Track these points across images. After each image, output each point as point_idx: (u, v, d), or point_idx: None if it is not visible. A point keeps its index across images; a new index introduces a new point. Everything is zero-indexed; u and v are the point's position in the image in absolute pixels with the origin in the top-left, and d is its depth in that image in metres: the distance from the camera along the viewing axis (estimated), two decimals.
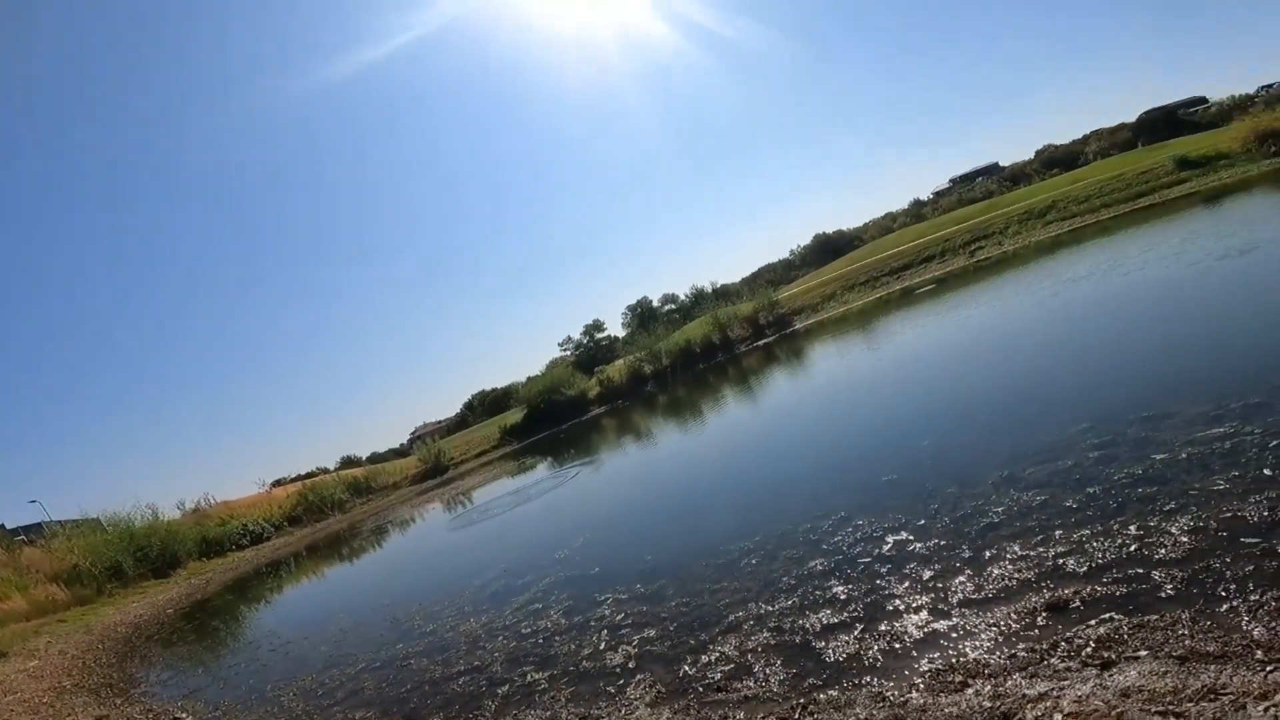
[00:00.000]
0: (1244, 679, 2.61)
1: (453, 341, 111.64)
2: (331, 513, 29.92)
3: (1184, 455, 4.72)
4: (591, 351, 47.99)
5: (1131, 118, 47.31)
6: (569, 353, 49.71)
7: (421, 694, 5.84)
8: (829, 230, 59.46)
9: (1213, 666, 2.76)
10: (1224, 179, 22.29)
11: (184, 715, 7.41)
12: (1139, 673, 2.90)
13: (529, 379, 40.55)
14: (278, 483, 41.30)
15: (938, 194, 61.05)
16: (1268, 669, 2.63)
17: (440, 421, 66.31)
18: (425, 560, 13.32)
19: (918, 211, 57.33)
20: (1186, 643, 2.97)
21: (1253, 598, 3.10)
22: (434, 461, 33.70)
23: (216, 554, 24.52)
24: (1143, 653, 3.02)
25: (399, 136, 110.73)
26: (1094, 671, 3.03)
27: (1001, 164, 60.40)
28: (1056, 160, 50.61)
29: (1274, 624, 2.89)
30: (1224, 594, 3.21)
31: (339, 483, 33.10)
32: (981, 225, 30.39)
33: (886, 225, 56.74)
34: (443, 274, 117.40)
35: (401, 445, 62.34)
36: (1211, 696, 2.59)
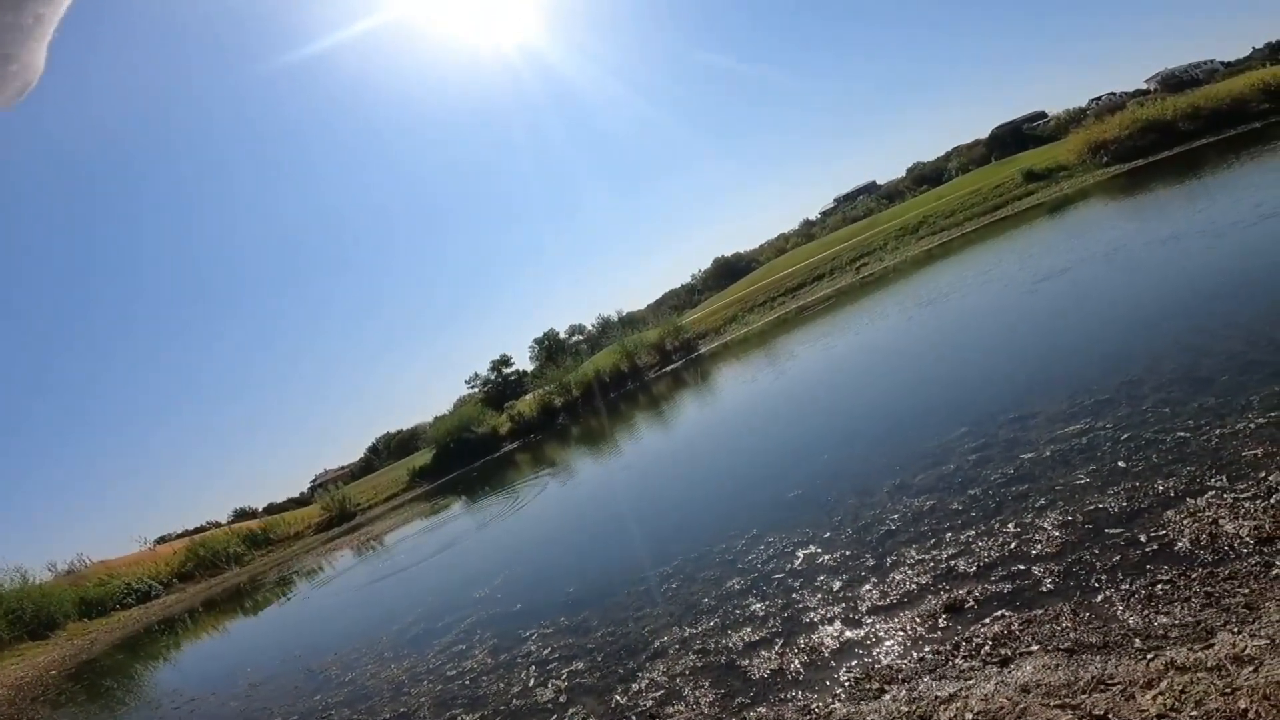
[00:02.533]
0: (1129, 668, 2.77)
1: (352, 385, 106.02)
2: (228, 566, 28.17)
3: (1048, 453, 5.09)
4: (500, 387, 46.91)
5: (985, 133, 52.35)
6: (477, 390, 48.44)
7: None
8: (728, 254, 61.64)
9: (1098, 657, 2.92)
10: (1065, 190, 25.01)
11: None
12: (1034, 667, 3.04)
13: (437, 419, 39.25)
14: (162, 539, 38.51)
15: (824, 214, 64.77)
16: (1148, 657, 2.80)
17: (344, 467, 63.36)
18: (338, 608, 12.58)
19: (808, 232, 60.47)
20: (1072, 635, 3.14)
21: (1124, 587, 3.33)
22: (339, 508, 31.91)
23: (100, 614, 22.97)
24: (1034, 647, 3.17)
25: (280, 167, 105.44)
26: (994, 669, 3.16)
27: (879, 182, 65.07)
28: (925, 177, 55.01)
29: (1146, 611, 3.10)
30: (1097, 584, 3.43)
31: (233, 536, 31.05)
32: (864, 243, 32.43)
33: (780, 246, 59.42)
34: (337, 315, 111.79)
35: (302, 494, 58.58)
36: (1102, 687, 2.74)
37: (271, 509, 52.10)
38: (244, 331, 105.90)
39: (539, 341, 52.51)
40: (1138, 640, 2.95)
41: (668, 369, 29.25)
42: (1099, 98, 42.37)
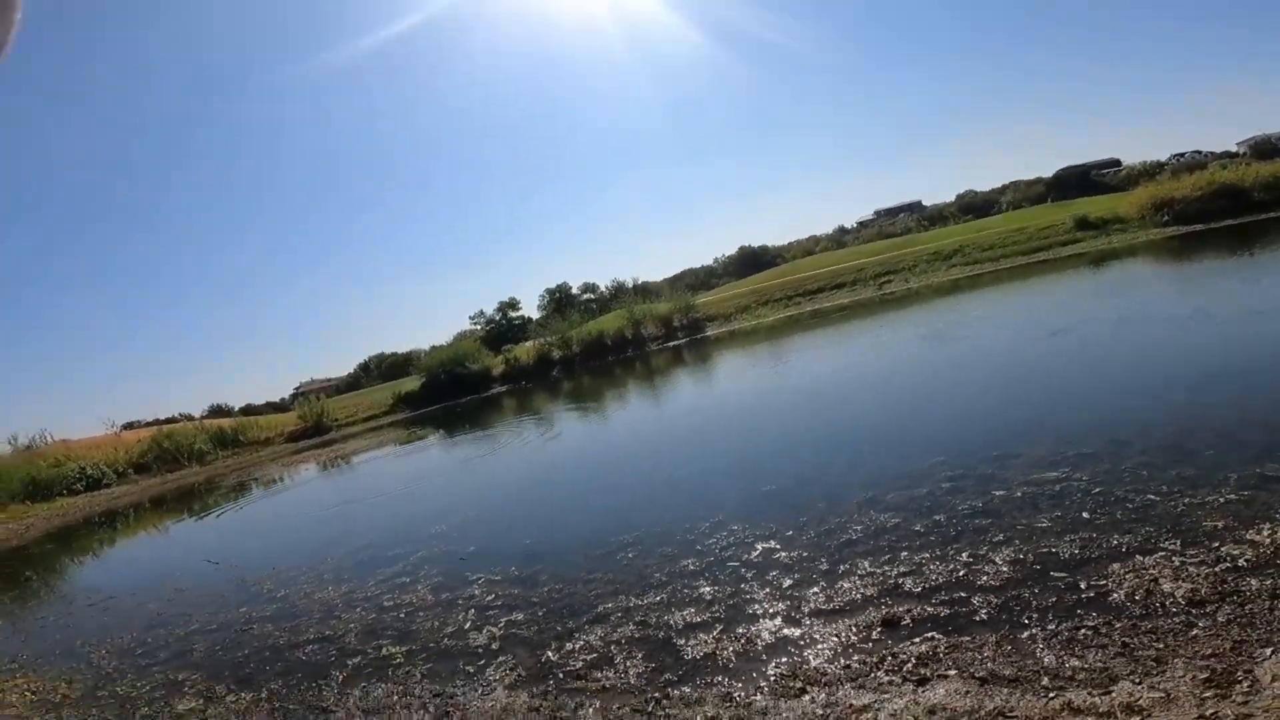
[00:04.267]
0: (1029, 704, 2.84)
1: (358, 299, 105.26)
2: (188, 464, 27.52)
3: (1019, 494, 5.11)
4: (502, 329, 47.08)
5: (1049, 172, 50.66)
6: (479, 327, 48.59)
7: (260, 660, 5.55)
8: (754, 244, 61.01)
9: (1005, 689, 2.99)
10: (1113, 243, 24.04)
11: None
12: (946, 691, 3.11)
13: (432, 348, 39.19)
14: (129, 425, 37.56)
15: (861, 224, 63.85)
16: (1050, 695, 2.87)
17: (330, 380, 62.93)
18: (288, 524, 12.65)
19: (840, 238, 59.76)
20: (989, 665, 3.21)
21: (1050, 627, 3.39)
22: (315, 420, 31.39)
23: (44, 498, 22.49)
24: (952, 672, 3.24)
25: (339, 84, 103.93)
26: (911, 687, 3.22)
27: (925, 203, 63.87)
28: (974, 206, 53.79)
29: (1063, 653, 3.16)
30: (1027, 621, 3.49)
31: (201, 431, 30.29)
32: (893, 260, 32.04)
33: (809, 247, 58.76)
34: (361, 231, 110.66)
35: (283, 400, 58.62)
36: (1000, 718, 2.81)
37: (249, 410, 51.54)
38: (265, 232, 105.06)
39: (550, 292, 52.52)
40: (1046, 678, 3.01)
41: (671, 344, 29.28)
42: (1182, 154, 40.09)
